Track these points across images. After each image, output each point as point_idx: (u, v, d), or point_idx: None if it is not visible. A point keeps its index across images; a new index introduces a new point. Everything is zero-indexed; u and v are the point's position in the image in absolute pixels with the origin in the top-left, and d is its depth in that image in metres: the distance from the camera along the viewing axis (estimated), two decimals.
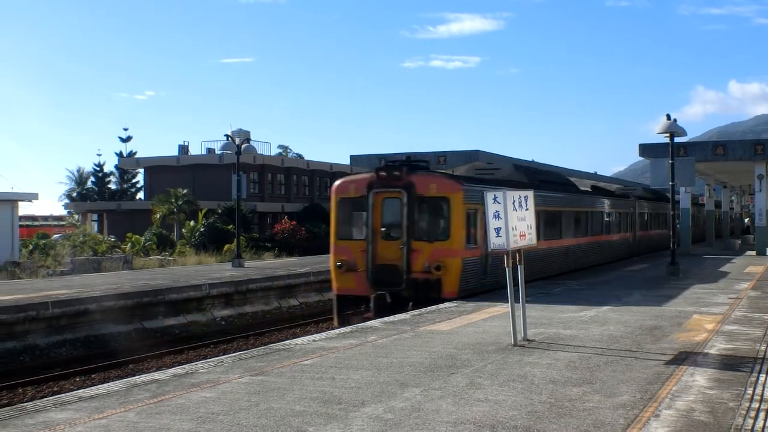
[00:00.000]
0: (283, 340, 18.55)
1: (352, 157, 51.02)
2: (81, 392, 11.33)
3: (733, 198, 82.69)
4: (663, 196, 56.16)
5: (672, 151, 31.75)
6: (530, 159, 56.34)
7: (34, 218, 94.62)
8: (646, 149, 45.36)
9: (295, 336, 22.11)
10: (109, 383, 11.81)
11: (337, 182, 26.02)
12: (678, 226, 45.22)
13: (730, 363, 13.35)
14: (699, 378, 12.09)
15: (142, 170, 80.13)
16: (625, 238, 45.23)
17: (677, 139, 32.74)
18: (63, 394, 11.19)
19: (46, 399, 11.01)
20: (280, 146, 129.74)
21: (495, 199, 14.99)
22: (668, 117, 31.11)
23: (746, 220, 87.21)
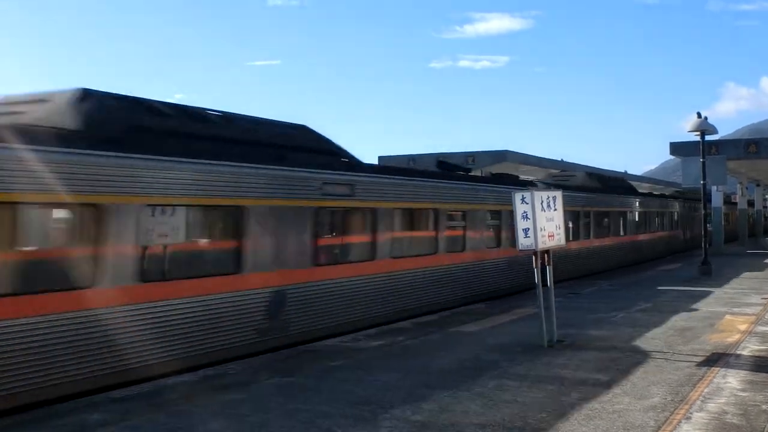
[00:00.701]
0: None
1: (380, 158, 51.07)
2: (112, 393, 11.39)
3: (766, 196, 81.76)
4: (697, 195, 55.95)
5: (703, 150, 31.48)
6: (559, 158, 56.12)
7: None
8: (677, 148, 44.98)
9: None
10: (140, 384, 11.85)
11: None
12: (710, 225, 44.83)
13: (764, 364, 13.20)
14: (731, 380, 11.97)
15: None
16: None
17: (709, 137, 32.44)
18: (94, 396, 11.23)
19: (78, 400, 11.06)
20: None
21: (523, 199, 14.94)
22: (699, 115, 30.85)
23: None
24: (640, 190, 49.94)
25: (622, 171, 70.93)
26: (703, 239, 33.12)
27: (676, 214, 51.81)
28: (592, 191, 34.51)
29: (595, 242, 34.10)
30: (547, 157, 53.30)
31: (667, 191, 57.70)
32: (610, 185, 39.24)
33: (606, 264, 34.99)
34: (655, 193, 57.29)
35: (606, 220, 35.86)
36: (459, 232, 22.72)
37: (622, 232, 38.26)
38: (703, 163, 31.41)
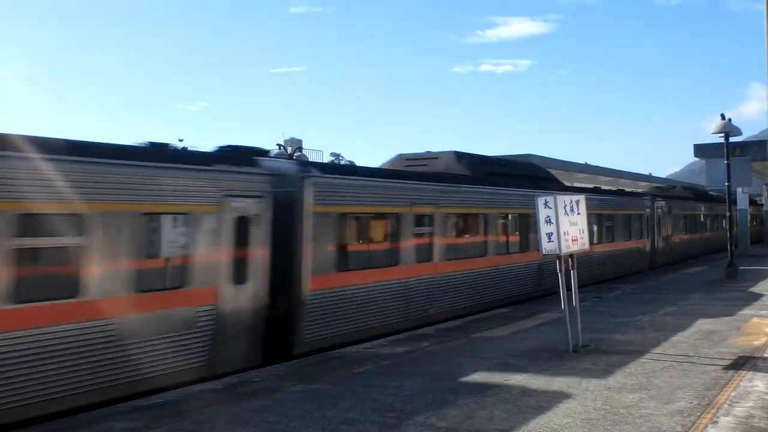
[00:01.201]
0: None
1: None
2: (138, 402, 11.45)
3: None
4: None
5: (727, 151, 31.25)
6: (583, 162, 55.90)
7: None
8: (701, 149, 44.70)
9: None
10: (166, 392, 11.91)
11: None
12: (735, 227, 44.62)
13: None
14: (758, 383, 11.89)
15: None
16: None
17: (733, 139, 32.20)
18: (122, 404, 11.30)
19: (105, 408, 11.13)
20: (332, 154, 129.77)
21: (546, 203, 14.90)
22: (722, 117, 30.65)
23: None
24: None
25: (647, 173, 70.58)
26: (728, 241, 32.89)
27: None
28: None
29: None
30: (570, 160, 52.91)
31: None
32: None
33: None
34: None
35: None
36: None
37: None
38: (728, 164, 31.19)
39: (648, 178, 64.31)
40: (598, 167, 57.25)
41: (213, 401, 11.38)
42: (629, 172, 61.48)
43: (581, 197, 16.06)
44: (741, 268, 32.06)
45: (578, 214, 15.60)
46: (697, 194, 54.33)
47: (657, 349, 15.00)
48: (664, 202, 41.80)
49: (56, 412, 10.76)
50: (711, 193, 53.98)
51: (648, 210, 38.71)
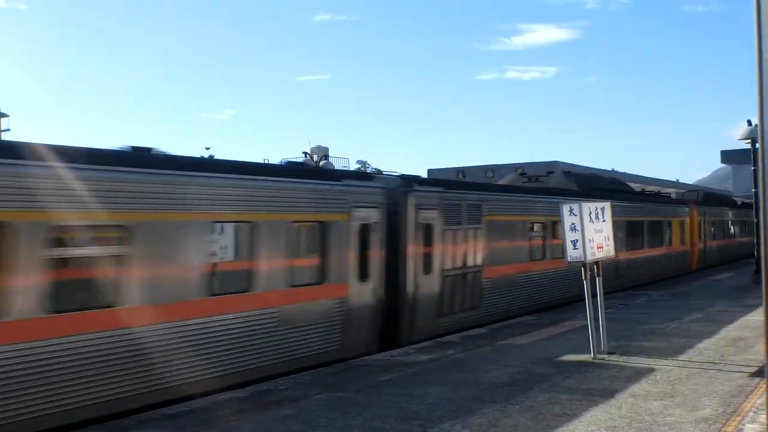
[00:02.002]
0: None
1: (429, 171, 51.09)
2: (165, 410, 11.55)
3: None
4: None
5: (754, 157, 31.06)
6: (609, 168, 55.72)
7: None
8: (727, 156, 44.45)
9: None
10: (192, 401, 12.00)
11: None
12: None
13: None
14: None
15: None
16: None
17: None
18: (149, 412, 11.40)
19: (132, 416, 11.24)
20: (358, 161, 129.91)
21: (571, 211, 14.90)
22: (749, 123, 30.51)
23: None
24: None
25: (674, 179, 70.22)
26: (755, 248, 32.66)
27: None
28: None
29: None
30: (597, 167, 52.89)
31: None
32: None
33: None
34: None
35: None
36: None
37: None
38: (754, 170, 30.98)
39: (675, 184, 63.99)
40: (624, 174, 57.08)
41: (239, 409, 11.47)
42: (656, 179, 61.27)
43: (606, 204, 16.04)
44: None
45: (603, 221, 15.59)
46: (724, 200, 55.23)
47: (683, 356, 14.95)
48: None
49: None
50: (735, 198, 54.23)
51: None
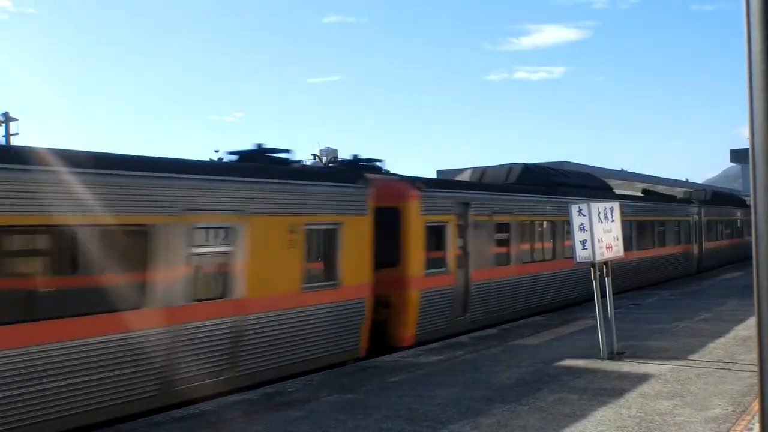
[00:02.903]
0: None
1: (439, 172, 50.98)
2: (174, 412, 11.57)
3: None
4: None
5: None
6: (619, 168, 55.57)
7: None
8: (737, 154, 44.48)
9: None
10: (201, 403, 12.02)
11: None
12: None
13: None
14: None
15: None
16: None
17: None
18: (156, 415, 11.42)
19: (141, 419, 11.27)
20: None
21: (580, 211, 14.89)
22: None
23: None
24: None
25: (683, 179, 70.05)
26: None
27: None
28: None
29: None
30: (606, 167, 52.71)
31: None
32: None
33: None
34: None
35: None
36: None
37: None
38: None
39: (685, 183, 63.80)
40: (634, 173, 56.97)
41: (248, 411, 11.49)
42: (666, 178, 61.08)
43: (615, 204, 16.02)
44: None
45: (612, 221, 15.57)
46: (731, 199, 54.67)
47: (693, 356, 14.92)
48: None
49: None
50: (744, 197, 53.97)
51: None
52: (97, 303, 10.93)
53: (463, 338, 18.40)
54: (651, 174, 60.61)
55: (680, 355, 15.04)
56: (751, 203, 2.51)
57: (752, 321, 15.58)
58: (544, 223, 24.34)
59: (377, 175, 18.59)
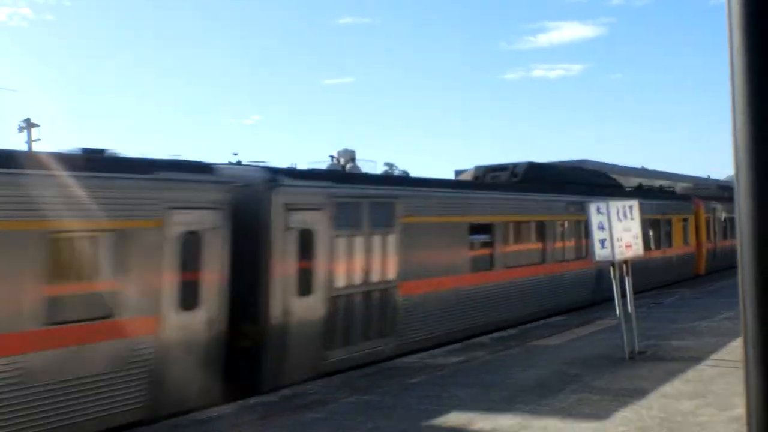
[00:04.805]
0: None
1: (457, 172, 50.92)
2: (194, 415, 11.58)
3: None
4: None
5: None
6: (639, 165, 55.38)
7: None
8: None
9: None
10: (222, 406, 12.03)
11: None
12: None
13: None
14: None
15: None
16: None
17: None
18: (178, 418, 11.44)
19: (162, 423, 11.28)
20: (386, 164, 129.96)
21: (599, 209, 14.79)
22: None
23: None
24: None
25: (705, 176, 69.69)
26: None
27: None
28: None
29: None
30: (626, 165, 52.58)
31: None
32: None
33: None
34: None
35: None
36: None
37: None
38: None
39: (706, 181, 63.46)
40: (654, 171, 56.73)
41: (267, 414, 11.48)
42: (687, 176, 60.78)
43: (635, 202, 15.91)
44: None
45: (632, 219, 15.45)
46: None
47: (715, 355, 14.78)
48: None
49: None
50: None
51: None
52: None
53: (483, 339, 18.33)
54: (672, 171, 60.34)
55: (702, 354, 14.90)
56: (735, 206, 2.45)
57: None
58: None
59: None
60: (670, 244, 32.23)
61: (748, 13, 2.31)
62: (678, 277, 32.59)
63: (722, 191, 42.93)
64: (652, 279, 28.07)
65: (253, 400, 12.43)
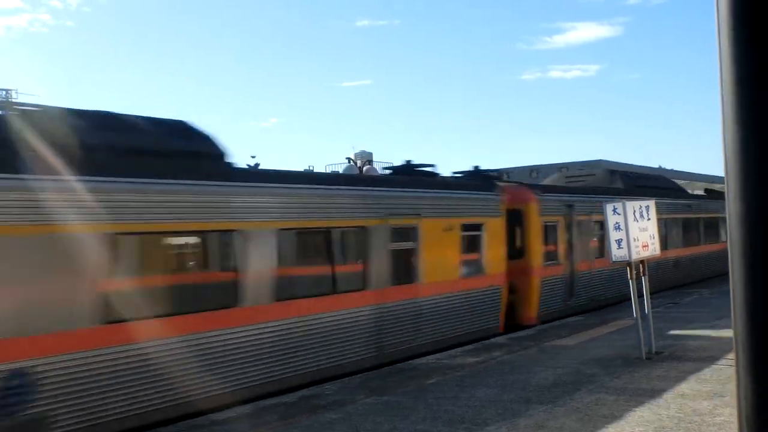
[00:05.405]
0: None
1: (458, 172, 50.82)
2: (213, 416, 11.67)
3: None
4: None
5: None
6: (657, 165, 55.20)
7: None
8: None
9: None
10: (240, 407, 12.11)
11: None
12: None
13: None
14: None
15: None
16: None
17: None
18: (196, 418, 11.53)
19: (181, 422, 11.38)
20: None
21: (615, 210, 14.80)
22: None
23: None
24: None
25: (722, 176, 69.31)
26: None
27: None
28: None
29: None
30: (642, 164, 52.38)
31: None
32: None
33: None
34: None
35: None
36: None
37: None
38: None
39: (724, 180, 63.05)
40: (671, 171, 56.51)
41: (285, 414, 11.55)
42: (705, 175, 60.52)
43: (651, 202, 15.90)
44: None
45: (648, 219, 15.45)
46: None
47: (732, 355, 14.70)
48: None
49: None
50: None
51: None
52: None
53: (500, 339, 18.36)
54: (692, 171, 60.09)
55: (720, 354, 14.88)
56: (726, 209, 2.50)
57: None
58: None
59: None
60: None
61: (735, 17, 2.36)
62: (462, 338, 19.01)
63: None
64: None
65: (271, 401, 12.50)
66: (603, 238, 22.65)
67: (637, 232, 14.91)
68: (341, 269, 15.45)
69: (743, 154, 2.38)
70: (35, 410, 10.01)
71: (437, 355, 16.37)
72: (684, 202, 32.95)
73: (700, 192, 42.42)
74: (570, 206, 23.56)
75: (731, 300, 2.49)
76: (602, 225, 22.19)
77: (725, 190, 2.51)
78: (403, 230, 16.65)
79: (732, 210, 2.42)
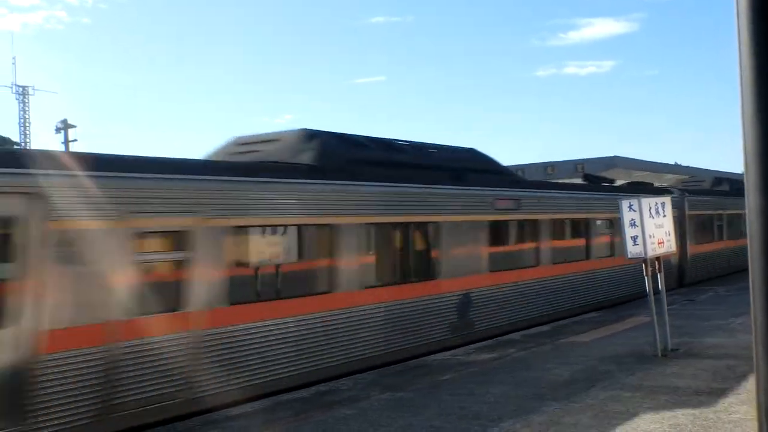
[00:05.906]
0: None
1: None
2: (228, 411, 11.70)
3: None
4: None
5: None
6: (673, 162, 54.96)
7: None
8: None
9: None
10: (256, 401, 12.14)
11: None
12: None
13: None
14: None
15: None
16: None
17: None
18: (212, 414, 11.56)
19: (195, 418, 11.42)
20: None
21: (630, 206, 14.76)
22: None
23: None
24: None
25: (740, 173, 69.04)
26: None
27: None
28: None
29: None
30: (659, 161, 52.13)
31: None
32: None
33: None
34: None
35: None
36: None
37: None
38: None
39: (740, 175, 62.84)
40: (688, 167, 56.25)
41: (300, 410, 11.58)
42: (724, 172, 60.20)
43: (667, 199, 15.85)
44: None
45: (664, 216, 15.40)
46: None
47: (749, 352, 14.60)
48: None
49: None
50: None
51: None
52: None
53: (515, 336, 18.33)
54: (707, 168, 59.83)
55: (736, 351, 14.82)
56: (746, 202, 2.47)
57: None
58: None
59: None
60: None
61: (755, 10, 2.34)
62: None
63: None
64: None
65: (285, 397, 12.53)
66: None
67: (652, 228, 14.86)
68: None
69: (763, 147, 2.36)
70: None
71: (452, 351, 16.35)
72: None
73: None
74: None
75: (750, 293, 2.47)
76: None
77: (744, 183, 2.49)
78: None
79: (752, 203, 2.39)
